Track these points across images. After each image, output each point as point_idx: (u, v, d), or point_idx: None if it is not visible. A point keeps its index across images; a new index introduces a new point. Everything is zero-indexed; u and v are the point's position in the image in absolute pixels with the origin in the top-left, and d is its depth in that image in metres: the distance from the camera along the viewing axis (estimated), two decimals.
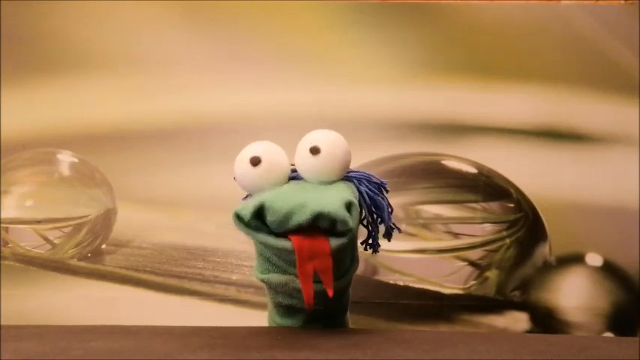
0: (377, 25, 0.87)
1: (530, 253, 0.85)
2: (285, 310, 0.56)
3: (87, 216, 0.87)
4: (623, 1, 0.88)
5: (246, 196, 0.57)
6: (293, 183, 0.54)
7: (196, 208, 0.86)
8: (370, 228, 0.59)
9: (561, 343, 0.51)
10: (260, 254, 0.55)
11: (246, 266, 0.85)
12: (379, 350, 0.46)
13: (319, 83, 0.87)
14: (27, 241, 0.87)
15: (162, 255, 0.86)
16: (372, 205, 0.57)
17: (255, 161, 0.53)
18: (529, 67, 0.87)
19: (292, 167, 0.56)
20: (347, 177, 0.56)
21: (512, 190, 0.86)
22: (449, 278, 0.85)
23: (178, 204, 0.86)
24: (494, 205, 0.86)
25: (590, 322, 0.85)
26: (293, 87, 0.87)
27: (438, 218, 0.86)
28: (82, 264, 0.86)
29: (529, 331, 0.85)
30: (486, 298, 0.85)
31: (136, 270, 0.86)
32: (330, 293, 0.48)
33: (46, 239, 0.87)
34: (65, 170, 0.88)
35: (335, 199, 0.49)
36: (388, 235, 0.59)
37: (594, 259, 0.85)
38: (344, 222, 0.47)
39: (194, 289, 0.86)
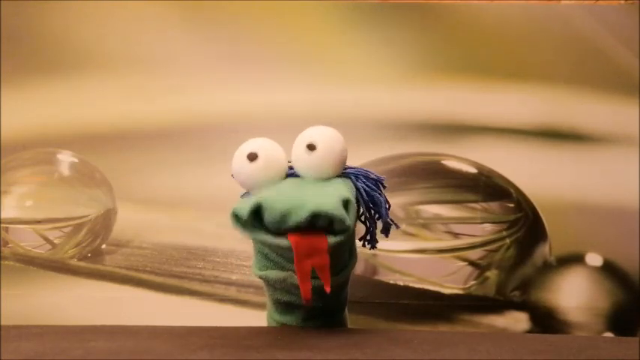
0: (377, 25, 0.87)
1: (530, 253, 0.85)
2: (283, 306, 0.56)
3: (87, 216, 0.87)
4: (623, 1, 0.88)
5: (245, 193, 0.57)
6: (290, 180, 0.54)
7: (196, 208, 0.86)
8: (368, 224, 0.59)
9: (561, 343, 0.51)
10: (258, 251, 0.55)
11: (246, 266, 0.85)
12: (379, 350, 0.46)
13: (319, 83, 0.87)
14: (27, 241, 0.87)
15: (162, 255, 0.86)
16: (370, 201, 0.57)
17: (253, 157, 0.53)
18: (529, 67, 0.87)
19: (290, 164, 0.56)
20: (344, 173, 0.56)
21: (512, 190, 0.86)
22: (449, 278, 0.85)
23: (178, 204, 0.86)
24: (494, 205, 0.86)
25: (590, 322, 0.85)
26: (293, 87, 0.87)
27: (438, 218, 0.86)
28: (82, 264, 0.86)
29: (529, 331, 0.85)
30: (486, 298, 0.85)
31: (136, 270, 0.86)
32: (328, 290, 0.48)
33: (46, 239, 0.87)
34: (65, 170, 0.88)
35: (332, 198, 0.49)
36: (386, 231, 0.59)
37: (594, 259, 0.85)
38: (341, 221, 0.47)
39: (194, 289, 0.86)
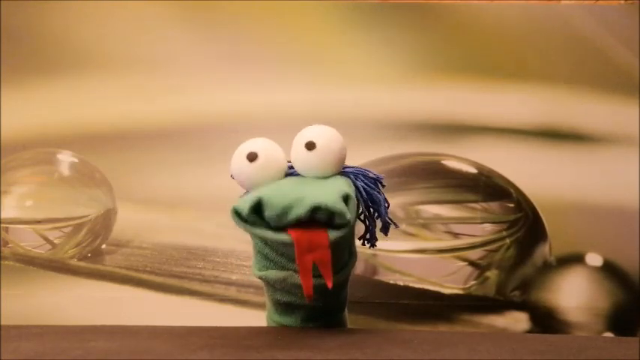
0: (376, 25, 0.87)
1: (530, 253, 0.85)
2: (283, 307, 0.56)
3: (87, 216, 0.87)
4: (623, 1, 0.88)
5: (245, 193, 0.57)
6: (290, 178, 0.54)
7: (196, 208, 0.86)
8: (367, 222, 0.59)
9: (561, 343, 0.51)
10: (258, 251, 0.55)
11: (246, 266, 0.85)
12: (379, 350, 0.46)
13: (319, 83, 0.87)
14: (27, 241, 0.87)
15: (162, 255, 0.86)
16: (369, 200, 0.57)
17: (252, 157, 0.53)
18: (529, 67, 0.87)
19: (289, 164, 0.56)
20: (343, 172, 0.56)
21: (512, 190, 0.86)
22: (449, 278, 0.85)
23: (178, 204, 0.86)
24: (494, 205, 0.86)
25: (590, 322, 0.85)
26: (293, 87, 0.87)
27: (438, 218, 0.86)
28: (82, 264, 0.86)
29: (529, 331, 0.85)
30: (486, 298, 0.85)
31: (136, 270, 0.86)
32: (330, 285, 0.48)
33: (46, 239, 0.87)
34: (65, 170, 0.88)
35: (332, 192, 0.49)
36: (385, 230, 0.59)
37: (594, 259, 0.85)
38: (342, 214, 0.48)
39: (194, 289, 0.86)
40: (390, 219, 0.58)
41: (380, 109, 0.87)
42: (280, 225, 0.48)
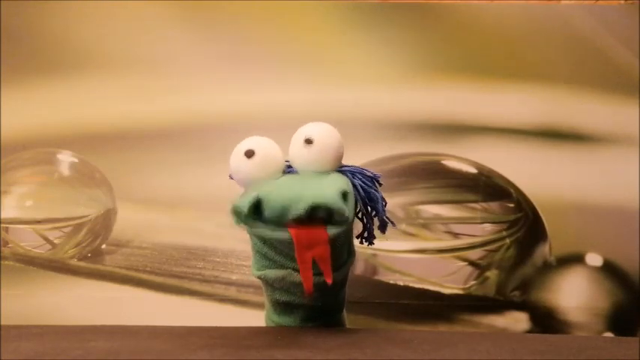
0: (376, 25, 0.87)
1: (530, 253, 0.85)
2: (282, 307, 0.56)
3: (87, 216, 0.87)
4: (623, 1, 0.88)
5: (243, 194, 0.57)
6: (288, 176, 0.55)
7: (196, 208, 0.86)
8: (365, 220, 0.59)
9: (561, 343, 0.51)
10: (257, 251, 0.55)
11: (246, 266, 0.85)
12: (379, 350, 0.46)
13: (319, 83, 0.87)
14: (27, 241, 0.87)
15: (162, 255, 0.86)
16: (366, 198, 0.57)
17: (250, 154, 0.53)
18: (529, 67, 0.87)
19: (287, 163, 0.56)
20: (341, 171, 0.56)
21: (512, 190, 0.86)
22: (449, 278, 0.85)
23: (178, 204, 0.86)
24: (494, 205, 0.86)
25: (590, 322, 0.85)
26: (293, 87, 0.87)
27: (438, 218, 0.86)
28: (82, 264, 0.86)
29: (529, 331, 0.85)
30: (486, 298, 0.85)
31: (136, 270, 0.86)
32: (329, 281, 0.49)
33: (46, 239, 0.87)
34: (65, 170, 0.88)
35: (330, 189, 0.49)
36: (383, 228, 0.59)
37: (594, 259, 0.85)
38: (341, 211, 0.48)
39: (194, 289, 0.86)
40: (387, 217, 0.59)
41: (380, 109, 0.87)
42: (280, 223, 0.49)
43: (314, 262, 0.49)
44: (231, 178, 0.56)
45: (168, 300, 0.85)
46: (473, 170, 0.86)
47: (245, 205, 0.48)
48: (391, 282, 0.85)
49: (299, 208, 0.47)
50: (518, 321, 0.85)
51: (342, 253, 0.55)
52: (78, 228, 0.86)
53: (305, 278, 0.48)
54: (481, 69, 0.87)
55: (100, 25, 0.88)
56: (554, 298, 0.85)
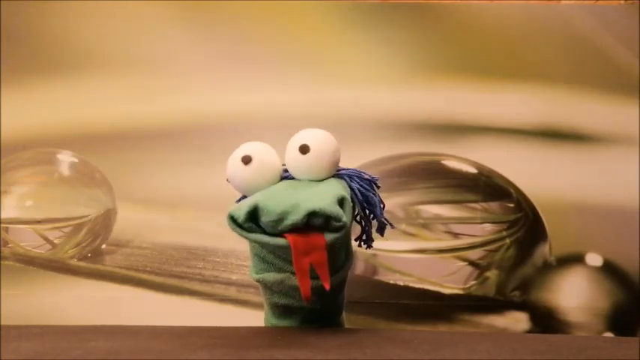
0: (376, 25, 0.87)
1: (530, 253, 0.85)
2: (281, 310, 0.56)
3: (87, 216, 0.87)
4: (623, 1, 0.88)
5: (240, 198, 0.57)
6: (285, 182, 0.55)
7: (196, 208, 0.86)
8: (363, 224, 0.59)
9: (561, 343, 0.51)
10: (255, 254, 0.55)
11: (246, 266, 0.85)
12: (379, 350, 0.46)
13: (319, 83, 0.87)
14: (27, 241, 0.87)
15: (162, 255, 0.86)
16: (364, 201, 0.57)
17: (247, 160, 0.53)
18: (529, 67, 0.87)
19: (284, 167, 0.56)
20: (338, 174, 0.56)
21: (512, 190, 0.86)
22: (449, 278, 0.85)
23: (178, 204, 0.86)
24: (494, 205, 0.86)
25: (590, 322, 0.85)
26: (293, 87, 0.87)
27: (438, 218, 0.86)
28: (82, 264, 0.86)
29: (529, 331, 0.85)
30: (486, 298, 0.85)
31: (136, 270, 0.86)
32: (327, 287, 0.49)
33: (46, 239, 0.87)
34: (65, 170, 0.88)
35: (327, 196, 0.49)
36: (381, 230, 0.60)
37: (594, 259, 0.85)
38: (337, 218, 0.48)
39: (194, 289, 0.86)
40: (385, 220, 0.59)
41: (380, 109, 0.87)
42: (277, 231, 0.49)
43: (311, 266, 0.49)
44: (229, 182, 0.56)
45: (168, 300, 0.85)
46: (473, 170, 0.86)
47: (241, 213, 0.49)
48: (391, 282, 0.85)
49: (296, 216, 0.48)
50: (518, 321, 0.85)
51: (339, 256, 0.55)
52: (78, 228, 0.86)
53: (302, 285, 0.48)
54: (481, 69, 0.87)
55: (100, 25, 0.88)
56: (554, 298, 0.85)
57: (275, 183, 0.54)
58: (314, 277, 0.49)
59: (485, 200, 0.86)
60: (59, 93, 0.88)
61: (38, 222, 0.87)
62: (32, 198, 0.87)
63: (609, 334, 0.85)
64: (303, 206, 0.48)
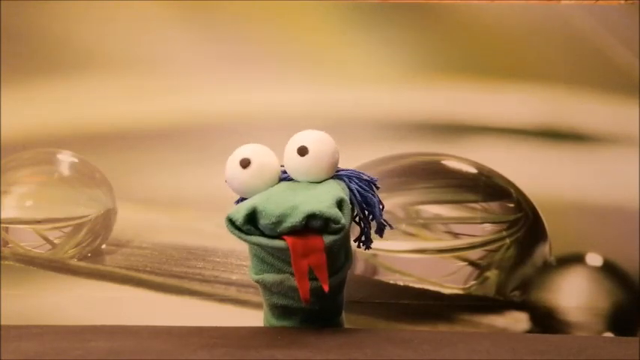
0: (376, 25, 0.87)
1: (530, 253, 0.85)
2: (280, 311, 0.56)
3: (87, 216, 0.87)
4: (623, 1, 0.88)
5: (239, 200, 0.57)
6: (283, 184, 0.55)
7: (196, 208, 0.86)
8: (362, 224, 0.59)
9: (561, 343, 0.51)
10: (254, 255, 0.55)
11: (246, 266, 0.85)
12: (379, 350, 0.46)
13: (319, 83, 0.87)
14: (27, 241, 0.87)
15: (162, 255, 0.86)
16: (363, 202, 0.57)
17: (245, 163, 0.53)
18: (529, 67, 0.87)
19: (283, 169, 0.56)
20: (337, 175, 0.56)
21: (512, 190, 0.86)
22: (449, 278, 0.85)
23: (178, 204, 0.86)
24: (494, 205, 0.86)
25: (590, 322, 0.85)
26: (293, 87, 0.87)
27: (438, 218, 0.86)
28: (82, 264, 0.86)
29: (529, 331, 0.85)
30: (486, 298, 0.85)
31: (136, 270, 0.86)
32: (326, 288, 0.49)
33: (46, 239, 0.87)
34: (65, 170, 0.88)
35: (326, 198, 0.49)
36: (380, 231, 0.60)
37: (594, 259, 0.85)
38: (336, 220, 0.48)
39: (194, 289, 0.86)
40: (384, 220, 0.59)
41: (380, 109, 0.87)
42: (275, 233, 0.49)
43: (310, 268, 0.49)
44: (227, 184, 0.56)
45: (168, 300, 0.85)
46: (473, 170, 0.86)
47: (240, 215, 0.49)
48: (391, 282, 0.85)
49: (295, 218, 0.48)
50: (518, 321, 0.85)
51: (338, 257, 0.55)
52: (78, 228, 0.86)
53: (301, 286, 0.49)
54: (481, 69, 0.87)
55: (100, 25, 0.88)
56: (554, 298, 0.85)
57: (273, 185, 0.54)
58: (313, 278, 0.49)
59: (485, 200, 0.86)
60: (59, 93, 0.88)
61: (38, 222, 0.87)
62: (32, 198, 0.87)
63: (609, 334, 0.85)
64: (301, 209, 0.48)
